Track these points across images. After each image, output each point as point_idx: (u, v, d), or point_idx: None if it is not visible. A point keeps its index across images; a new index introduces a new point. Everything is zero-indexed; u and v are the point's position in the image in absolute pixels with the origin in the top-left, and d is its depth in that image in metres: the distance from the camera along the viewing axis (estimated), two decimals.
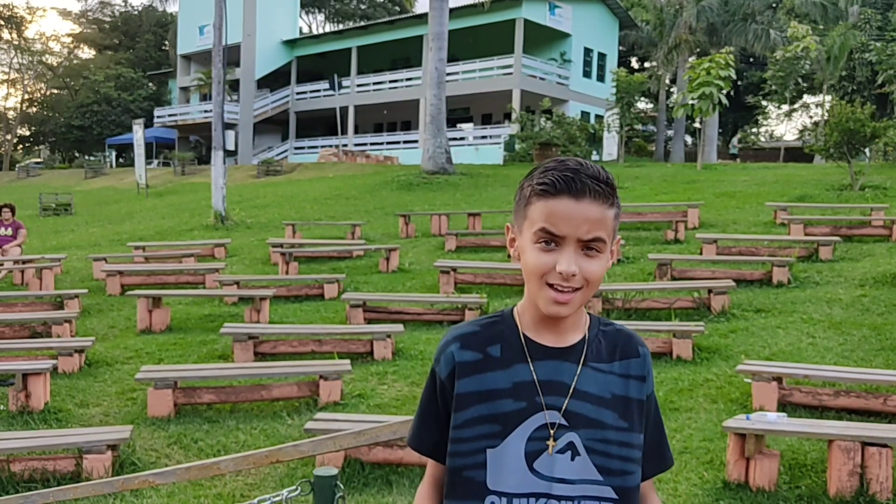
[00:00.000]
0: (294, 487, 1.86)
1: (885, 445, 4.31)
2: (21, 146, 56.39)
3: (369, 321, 8.47)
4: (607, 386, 1.45)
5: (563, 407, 1.41)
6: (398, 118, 37.99)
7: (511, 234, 1.49)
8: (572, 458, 1.40)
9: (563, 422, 1.40)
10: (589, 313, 1.53)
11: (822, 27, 32.82)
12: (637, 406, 1.46)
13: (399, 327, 7.63)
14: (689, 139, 39.92)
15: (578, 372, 1.43)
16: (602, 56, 35.58)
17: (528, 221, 1.41)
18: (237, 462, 2.22)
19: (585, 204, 1.36)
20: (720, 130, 40.38)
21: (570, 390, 1.42)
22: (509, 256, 1.63)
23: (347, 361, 6.50)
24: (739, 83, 39.76)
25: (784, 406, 5.68)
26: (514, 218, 1.48)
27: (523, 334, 1.47)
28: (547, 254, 1.38)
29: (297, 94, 39.49)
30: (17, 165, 46.07)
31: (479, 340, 1.47)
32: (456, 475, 1.45)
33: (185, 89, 43.24)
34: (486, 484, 1.41)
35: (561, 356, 1.45)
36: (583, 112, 33.02)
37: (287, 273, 11.20)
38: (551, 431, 1.40)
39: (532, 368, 1.43)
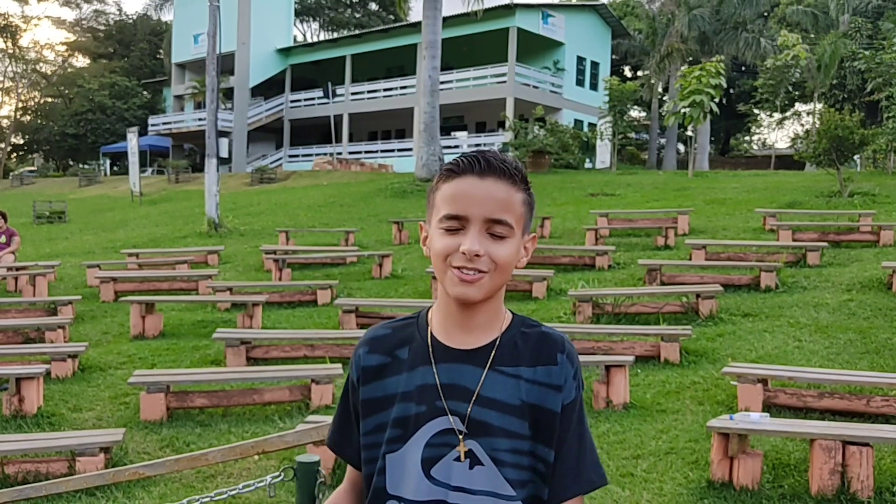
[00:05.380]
0: (277, 473, 1.92)
1: (865, 444, 4.39)
2: (15, 155, 56.31)
3: (362, 326, 8.54)
4: (517, 392, 1.35)
5: (466, 413, 1.34)
6: (392, 126, 38.10)
7: (423, 231, 1.43)
8: (471, 467, 1.33)
9: (465, 429, 1.33)
10: (514, 313, 1.45)
11: (813, 36, 33.08)
12: (549, 417, 1.35)
13: None
14: (681, 147, 40.12)
15: (483, 376, 1.35)
16: (595, 65, 35.77)
17: (434, 210, 1.37)
18: (224, 453, 2.28)
19: (490, 182, 1.32)
20: (712, 138, 40.59)
21: (474, 396, 1.34)
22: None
23: (339, 366, 6.56)
24: (731, 91, 40.05)
25: (769, 407, 5.76)
26: (426, 214, 1.43)
27: (431, 335, 1.40)
28: (451, 236, 1.32)
29: (292, 102, 39.58)
30: (11, 174, 45.98)
31: (389, 343, 1.43)
32: (367, 483, 1.42)
33: (179, 97, 43.28)
34: (386, 489, 1.37)
35: (465, 359, 1.37)
36: (576, 120, 33.18)
37: (280, 279, 11.26)
38: (456, 437, 1.33)
39: (435, 371, 1.36)
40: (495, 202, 1.31)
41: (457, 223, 1.32)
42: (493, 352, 1.37)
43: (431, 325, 1.42)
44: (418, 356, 1.39)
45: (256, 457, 4.37)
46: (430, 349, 1.38)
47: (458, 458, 1.33)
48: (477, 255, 1.30)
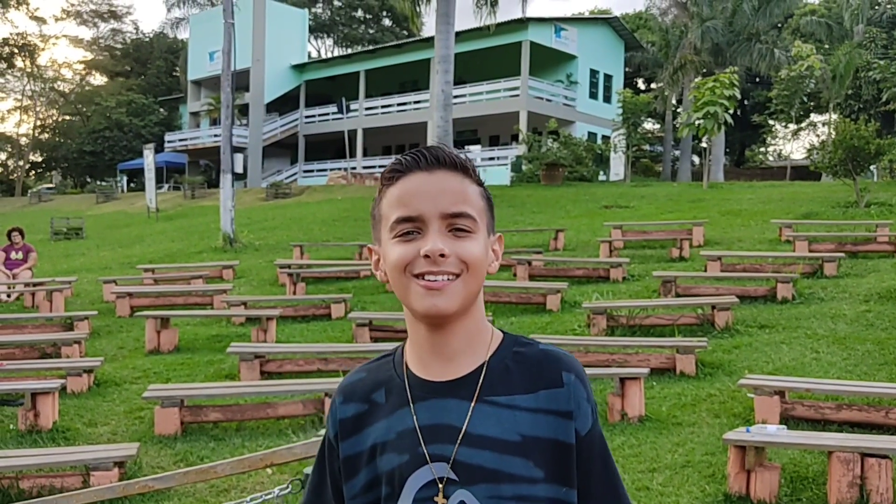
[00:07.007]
0: (285, 485, 1.91)
1: (884, 456, 4.32)
2: (33, 172, 56.90)
3: (375, 340, 8.54)
4: (515, 426, 1.13)
5: (452, 457, 1.12)
6: (406, 140, 38.22)
7: (374, 254, 1.23)
8: None
9: (453, 475, 1.12)
10: (505, 332, 1.23)
11: (827, 46, 32.95)
12: (562, 450, 1.13)
13: None
14: (696, 159, 40.00)
15: (471, 411, 1.13)
16: (608, 77, 35.78)
17: (383, 221, 1.18)
18: (233, 466, 2.28)
19: (440, 174, 1.15)
20: (727, 150, 40.43)
21: (460, 435, 1.12)
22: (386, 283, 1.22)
23: None
24: (745, 102, 39.90)
25: (786, 420, 5.70)
26: (373, 235, 1.24)
27: (408, 370, 1.19)
28: (408, 243, 1.13)
29: (306, 117, 39.83)
30: (30, 191, 46.49)
31: (365, 388, 1.22)
32: None
33: (195, 114, 43.68)
34: None
35: (447, 392, 1.15)
36: (589, 133, 33.15)
37: (294, 293, 11.29)
38: (440, 487, 1.12)
39: (413, 412, 1.15)
40: (451, 195, 1.14)
41: (411, 226, 1.13)
42: (481, 379, 1.15)
43: (407, 359, 1.21)
44: (397, 398, 1.18)
45: (269, 471, 4.36)
46: (407, 387, 1.18)
47: None
48: (442, 256, 1.10)
